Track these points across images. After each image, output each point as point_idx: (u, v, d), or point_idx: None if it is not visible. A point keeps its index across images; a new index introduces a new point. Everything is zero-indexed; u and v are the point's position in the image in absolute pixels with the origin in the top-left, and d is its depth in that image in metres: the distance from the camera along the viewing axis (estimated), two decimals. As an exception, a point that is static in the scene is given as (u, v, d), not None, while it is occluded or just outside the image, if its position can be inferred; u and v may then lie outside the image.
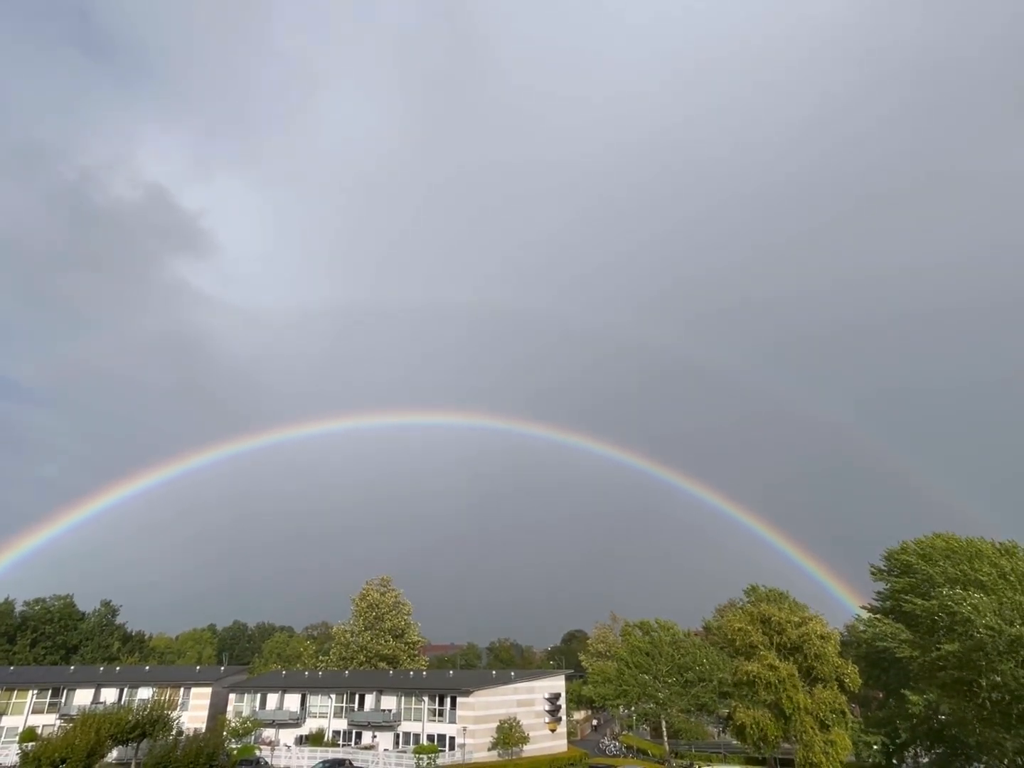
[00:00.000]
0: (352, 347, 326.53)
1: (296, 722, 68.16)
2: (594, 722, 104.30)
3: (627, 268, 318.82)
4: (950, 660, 47.40)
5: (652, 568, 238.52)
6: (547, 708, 67.57)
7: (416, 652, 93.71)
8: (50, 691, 67.40)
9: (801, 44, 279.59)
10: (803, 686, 50.94)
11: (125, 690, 68.54)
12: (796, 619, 52.81)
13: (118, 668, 79.46)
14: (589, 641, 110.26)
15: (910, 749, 59.84)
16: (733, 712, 54.66)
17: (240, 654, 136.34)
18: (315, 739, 65.69)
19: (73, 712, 62.14)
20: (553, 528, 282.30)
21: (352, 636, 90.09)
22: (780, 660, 50.63)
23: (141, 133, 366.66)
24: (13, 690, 66.35)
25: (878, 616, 56.08)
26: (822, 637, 50.74)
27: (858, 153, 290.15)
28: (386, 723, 64.65)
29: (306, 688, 70.68)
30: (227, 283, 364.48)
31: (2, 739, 62.58)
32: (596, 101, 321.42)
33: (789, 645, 52.35)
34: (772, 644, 52.13)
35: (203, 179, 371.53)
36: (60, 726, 59.09)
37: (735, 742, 62.92)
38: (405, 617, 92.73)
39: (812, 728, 49.87)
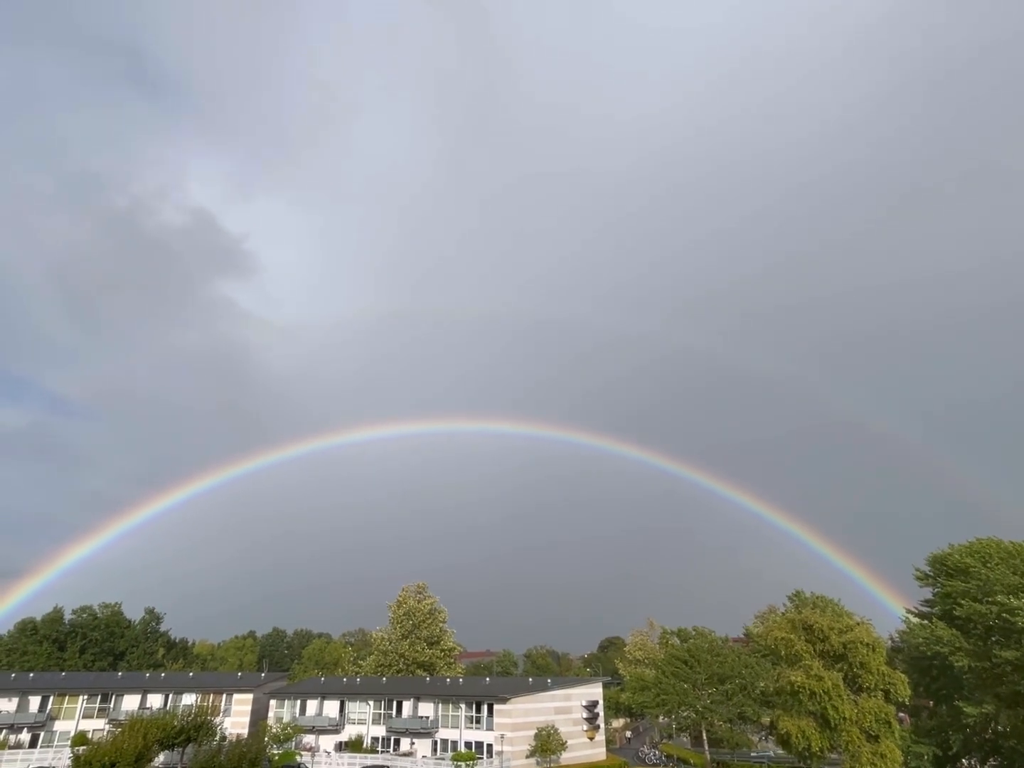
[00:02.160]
0: (393, 361, 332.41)
1: (335, 728, 69.09)
2: (628, 734, 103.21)
3: (664, 275, 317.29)
4: (1007, 669, 45.98)
5: (691, 574, 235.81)
6: (585, 716, 67.26)
7: (452, 659, 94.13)
8: (99, 696, 69.70)
9: (828, 47, 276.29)
10: (848, 695, 49.78)
11: (170, 696, 70.39)
12: (840, 626, 51.62)
13: (163, 674, 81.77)
14: (626, 648, 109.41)
15: (963, 760, 57.90)
16: (776, 721, 53.63)
17: (279, 660, 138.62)
18: (354, 745, 66.55)
19: (121, 717, 64.14)
20: (591, 534, 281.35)
21: (390, 643, 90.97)
22: (824, 668, 49.57)
23: (188, 161, 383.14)
24: (65, 695, 68.79)
25: (930, 621, 54.61)
26: (868, 645, 49.50)
27: (896, 151, 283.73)
28: (424, 730, 65.14)
29: (345, 694, 71.62)
30: (269, 302, 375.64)
31: (55, 743, 64.91)
32: (626, 113, 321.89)
33: (833, 653, 51.19)
34: (816, 652, 51.06)
35: (247, 202, 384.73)
36: (109, 731, 61.28)
37: (779, 751, 61.76)
38: (441, 624, 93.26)
39: (859, 739, 48.68)
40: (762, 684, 59.60)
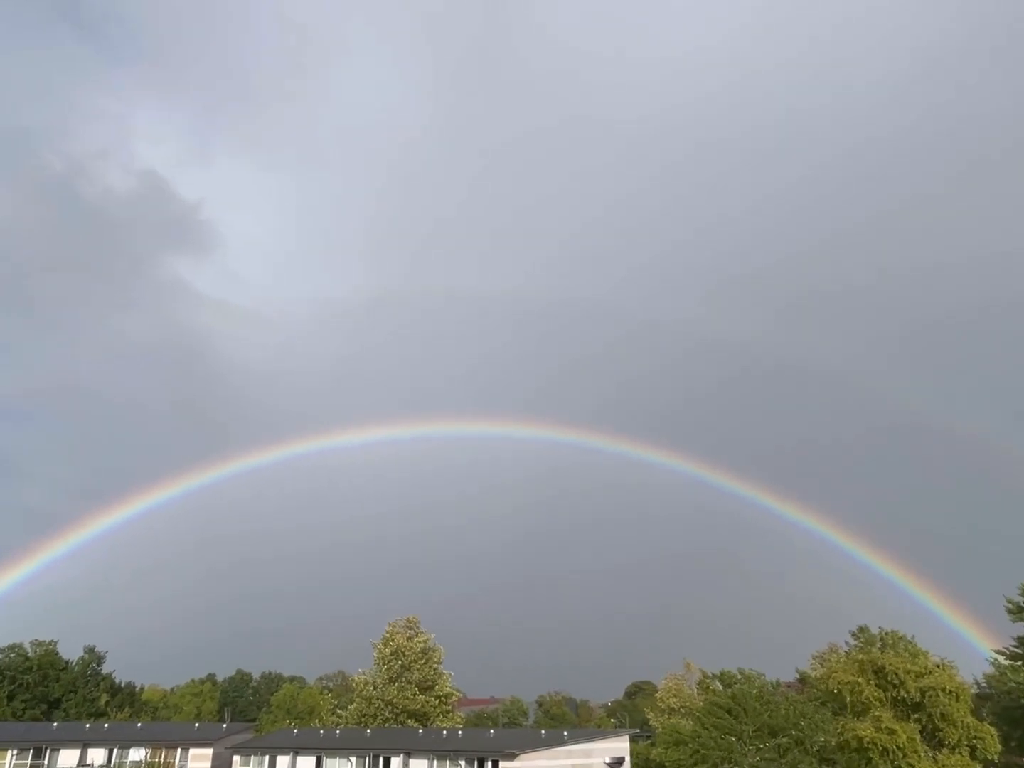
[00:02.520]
0: (380, 353, 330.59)
1: (311, 789, 68.94)
2: None
3: (702, 248, 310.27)
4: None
5: (735, 607, 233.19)
6: (608, 775, 66.91)
7: (450, 707, 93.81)
8: (31, 751, 69.59)
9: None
10: (926, 752, 49.29)
11: (115, 750, 70.46)
12: (917, 669, 51.09)
13: (107, 725, 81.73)
14: (658, 695, 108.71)
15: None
16: (839, 782, 53.19)
17: (244, 708, 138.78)
18: (333, 810, 66.32)
19: (57, 776, 64.02)
20: (615, 558, 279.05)
21: (375, 689, 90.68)
22: (898, 720, 49.06)
23: (135, 115, 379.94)
24: (-9, 750, 68.85)
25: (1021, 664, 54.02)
26: (950, 692, 48.94)
27: (961, 110, 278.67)
28: (416, 792, 64.90)
29: (322, 749, 71.32)
30: (232, 282, 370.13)
31: (-21, 806, 64.95)
32: (651, 59, 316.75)
33: (908, 701, 50.69)
34: (887, 700, 50.55)
35: (204, 165, 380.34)
36: (43, 792, 61.25)
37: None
38: (435, 665, 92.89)
39: (939, 803, 48.25)
40: (822, 738, 58.95)
